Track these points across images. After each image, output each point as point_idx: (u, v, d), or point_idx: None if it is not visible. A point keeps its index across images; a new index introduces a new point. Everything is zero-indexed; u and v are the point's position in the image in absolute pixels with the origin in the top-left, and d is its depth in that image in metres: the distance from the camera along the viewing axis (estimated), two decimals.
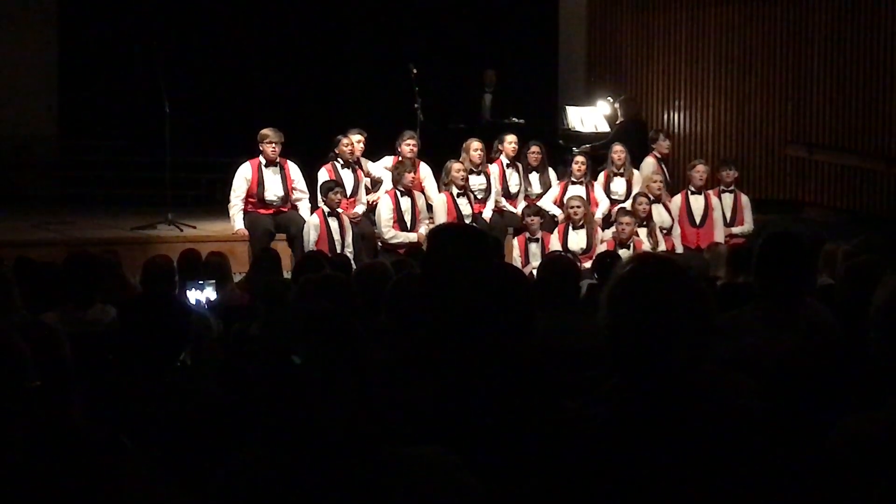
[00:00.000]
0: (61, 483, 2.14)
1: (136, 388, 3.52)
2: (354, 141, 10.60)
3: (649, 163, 11.53)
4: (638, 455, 2.19)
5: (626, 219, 10.21)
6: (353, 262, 9.16)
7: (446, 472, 2.19)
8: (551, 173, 11.46)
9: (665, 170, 11.55)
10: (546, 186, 11.33)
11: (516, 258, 10.47)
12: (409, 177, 10.33)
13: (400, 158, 10.67)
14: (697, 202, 11.03)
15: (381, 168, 10.93)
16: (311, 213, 10.19)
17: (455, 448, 2.28)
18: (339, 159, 10.54)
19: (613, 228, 10.48)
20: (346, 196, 10.30)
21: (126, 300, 3.88)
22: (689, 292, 2.23)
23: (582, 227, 10.43)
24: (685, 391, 2.20)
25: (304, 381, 2.13)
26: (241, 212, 10.28)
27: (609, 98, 12.95)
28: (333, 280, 4.41)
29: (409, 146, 10.68)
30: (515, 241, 10.72)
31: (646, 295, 2.22)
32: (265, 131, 10.26)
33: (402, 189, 10.32)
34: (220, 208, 11.02)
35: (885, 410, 2.36)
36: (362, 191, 10.68)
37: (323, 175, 10.41)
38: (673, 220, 10.89)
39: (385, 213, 10.26)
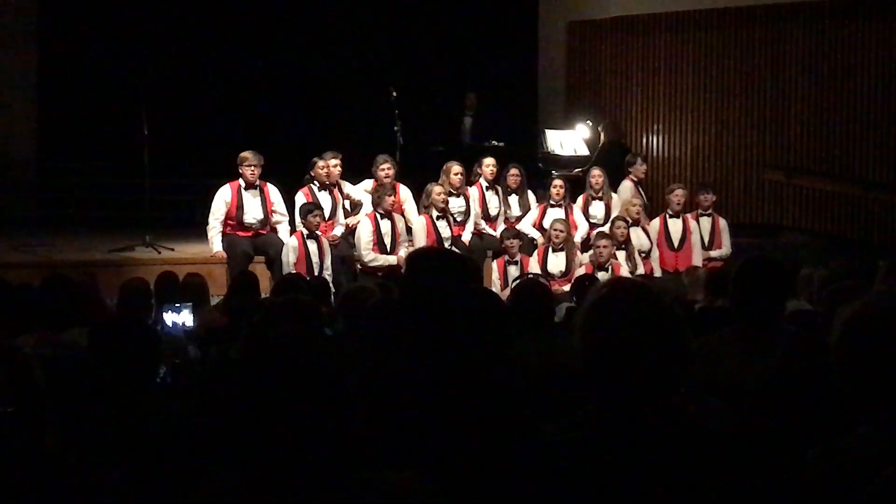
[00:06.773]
0: None
1: (110, 412, 3.50)
2: (331, 164, 10.58)
3: (626, 186, 11.56)
4: (614, 479, 2.19)
5: (605, 242, 10.22)
6: (331, 284, 9.15)
7: (422, 499, 2.18)
8: (530, 196, 11.47)
9: (642, 193, 11.59)
10: (525, 209, 11.34)
11: (495, 281, 10.45)
12: (389, 200, 10.32)
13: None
14: (675, 226, 11.06)
15: (361, 191, 10.89)
16: (290, 235, 10.16)
17: (432, 473, 2.28)
18: (314, 182, 10.53)
19: (591, 251, 10.50)
20: (324, 219, 10.28)
21: (94, 323, 3.85)
22: (663, 317, 2.24)
23: (562, 249, 10.44)
24: (660, 416, 2.20)
25: (280, 406, 2.12)
26: (220, 234, 10.23)
27: (588, 122, 12.99)
28: (298, 303, 4.38)
29: (383, 171, 10.62)
30: (495, 264, 10.71)
31: (619, 320, 2.22)
32: (245, 154, 10.23)
33: (381, 212, 10.31)
34: (198, 230, 10.97)
35: (855, 439, 2.36)
36: (340, 213, 10.66)
37: (300, 199, 10.38)
38: (651, 243, 10.92)
39: (365, 236, 10.24)
